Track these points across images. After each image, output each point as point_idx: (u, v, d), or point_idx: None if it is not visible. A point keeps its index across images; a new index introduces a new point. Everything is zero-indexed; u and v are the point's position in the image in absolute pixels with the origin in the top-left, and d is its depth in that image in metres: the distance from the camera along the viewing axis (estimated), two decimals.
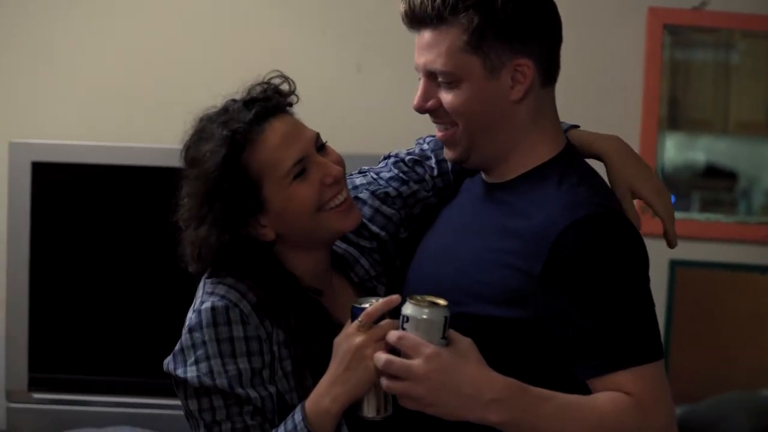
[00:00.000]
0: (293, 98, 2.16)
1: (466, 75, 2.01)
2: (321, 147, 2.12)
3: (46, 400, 3.59)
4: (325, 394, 1.95)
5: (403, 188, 2.26)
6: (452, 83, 2.02)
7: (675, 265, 3.76)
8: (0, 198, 3.63)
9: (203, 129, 2.12)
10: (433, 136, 2.27)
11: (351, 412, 1.98)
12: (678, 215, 3.75)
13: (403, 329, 1.90)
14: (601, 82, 3.65)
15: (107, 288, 3.62)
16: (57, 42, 3.80)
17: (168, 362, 2.05)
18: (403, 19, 2.06)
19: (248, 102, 2.12)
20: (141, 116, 3.77)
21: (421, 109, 2.07)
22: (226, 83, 3.85)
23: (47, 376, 3.59)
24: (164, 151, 3.56)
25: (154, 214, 3.60)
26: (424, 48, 2.03)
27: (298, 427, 1.95)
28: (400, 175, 2.28)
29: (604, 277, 1.93)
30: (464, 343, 1.91)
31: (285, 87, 2.16)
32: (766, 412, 3.75)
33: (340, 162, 2.13)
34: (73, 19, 3.79)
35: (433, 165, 2.28)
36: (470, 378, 1.88)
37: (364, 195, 2.25)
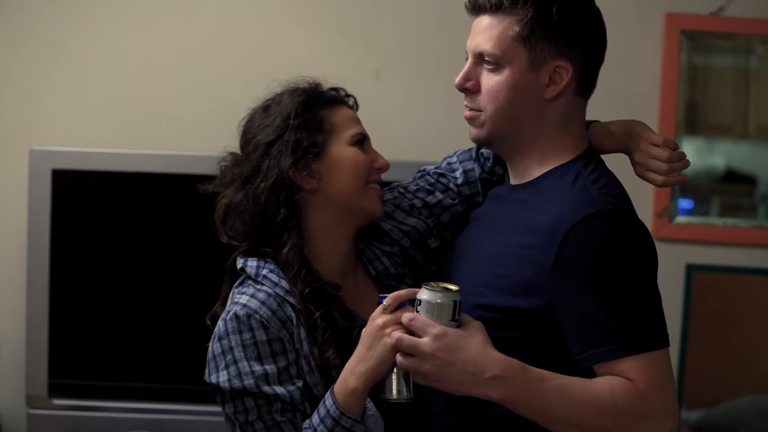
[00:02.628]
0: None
1: (510, 62, 2.15)
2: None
3: (65, 406, 3.61)
4: (350, 375, 2.08)
5: (429, 198, 2.37)
6: (496, 67, 2.16)
7: (691, 269, 3.77)
8: (20, 205, 3.64)
9: (271, 102, 2.32)
10: (461, 151, 2.43)
11: (375, 396, 2.10)
12: (697, 220, 3.80)
13: (417, 312, 2.04)
14: (619, 88, 3.65)
15: (127, 294, 3.64)
16: (77, 50, 3.81)
17: (205, 374, 2.18)
18: (466, 5, 2.22)
19: (332, 87, 2.34)
20: (160, 124, 3.78)
21: (460, 87, 2.21)
22: (246, 91, 3.86)
23: (67, 382, 3.61)
24: (184, 158, 3.58)
25: (173, 221, 3.64)
26: (479, 31, 2.18)
27: (331, 410, 2.08)
28: (426, 186, 2.39)
29: (611, 267, 2.04)
30: (472, 324, 2.05)
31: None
32: None
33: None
34: (93, 27, 3.81)
35: (458, 175, 2.39)
36: (473, 356, 2.01)
37: (388, 208, 2.36)
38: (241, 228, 2.25)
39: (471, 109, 2.21)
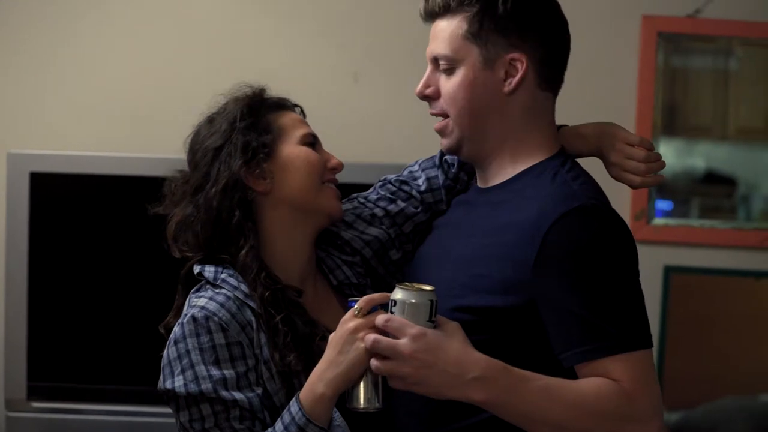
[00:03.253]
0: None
1: (462, 61, 2.15)
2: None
3: (44, 409, 3.60)
4: (318, 381, 2.00)
5: (391, 206, 2.33)
6: (450, 69, 2.16)
7: (669, 271, 3.78)
8: None
9: (215, 113, 2.31)
10: (422, 159, 2.41)
11: (341, 405, 2.02)
12: (675, 221, 3.81)
13: (392, 313, 1.97)
14: (595, 90, 3.66)
15: (105, 297, 3.63)
16: (56, 53, 3.81)
17: (159, 381, 2.12)
18: (420, 14, 2.23)
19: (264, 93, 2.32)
20: (139, 126, 3.78)
21: (421, 95, 2.22)
22: (224, 92, 3.87)
23: (46, 385, 3.60)
24: (163, 161, 3.56)
25: (152, 224, 3.63)
26: (433, 36, 2.20)
27: (296, 417, 1.99)
28: (388, 195, 2.35)
29: (594, 265, 2.00)
30: (450, 325, 1.99)
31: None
32: (763, 417, 3.76)
33: None
34: (72, 30, 3.81)
35: (421, 183, 2.35)
36: (454, 357, 1.94)
37: (348, 218, 2.32)
38: (194, 240, 2.20)
39: (437, 116, 2.21)
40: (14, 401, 3.59)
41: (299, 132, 2.24)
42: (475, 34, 2.13)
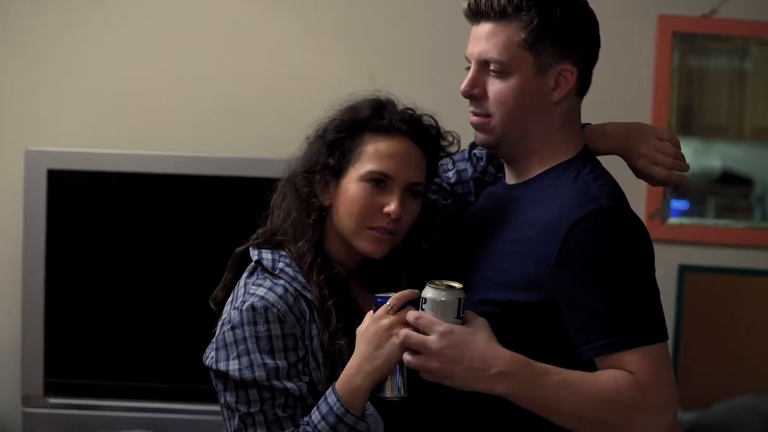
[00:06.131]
0: (441, 153, 2.29)
1: (517, 68, 2.16)
2: (414, 194, 2.23)
3: (61, 405, 3.63)
4: (356, 374, 2.09)
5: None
6: (503, 74, 2.17)
7: (684, 270, 3.78)
8: (16, 205, 3.65)
9: (349, 106, 2.27)
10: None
11: (370, 394, 2.13)
12: (689, 221, 3.81)
13: (422, 310, 2.07)
14: (611, 90, 3.66)
15: (122, 293, 3.65)
16: (73, 51, 3.83)
17: (209, 357, 2.17)
18: (465, 11, 2.21)
19: (410, 112, 2.25)
20: (156, 124, 3.80)
21: (467, 94, 2.21)
22: (240, 91, 3.90)
23: (63, 381, 3.63)
24: (180, 159, 3.59)
25: (168, 221, 3.65)
26: (482, 38, 2.18)
27: (334, 408, 2.09)
28: None
29: (612, 265, 2.06)
30: (477, 321, 2.07)
31: (446, 140, 2.29)
32: None
33: (411, 217, 2.23)
34: (88, 28, 3.83)
35: (451, 175, 2.39)
36: (479, 353, 2.04)
37: None
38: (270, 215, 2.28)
39: (478, 115, 2.21)
40: (31, 397, 3.61)
41: (369, 166, 2.18)
42: (532, 43, 2.14)
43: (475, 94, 2.19)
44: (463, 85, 2.20)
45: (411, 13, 3.81)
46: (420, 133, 2.23)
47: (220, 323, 2.19)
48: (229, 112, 3.76)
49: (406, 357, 2.06)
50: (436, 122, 2.27)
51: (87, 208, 3.65)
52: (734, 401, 3.78)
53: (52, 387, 3.62)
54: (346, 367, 2.11)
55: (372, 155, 2.18)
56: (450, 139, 2.29)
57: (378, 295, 2.12)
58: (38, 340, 3.59)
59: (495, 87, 2.17)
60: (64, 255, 3.62)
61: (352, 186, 2.19)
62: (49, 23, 3.82)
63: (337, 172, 2.21)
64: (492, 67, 2.17)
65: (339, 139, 2.21)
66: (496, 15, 2.16)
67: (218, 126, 3.77)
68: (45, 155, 3.60)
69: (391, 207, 2.18)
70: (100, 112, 3.81)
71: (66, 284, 3.62)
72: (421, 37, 3.81)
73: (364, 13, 3.84)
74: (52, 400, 3.62)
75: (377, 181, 2.18)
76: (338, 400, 2.09)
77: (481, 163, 2.40)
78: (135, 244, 3.65)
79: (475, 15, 2.19)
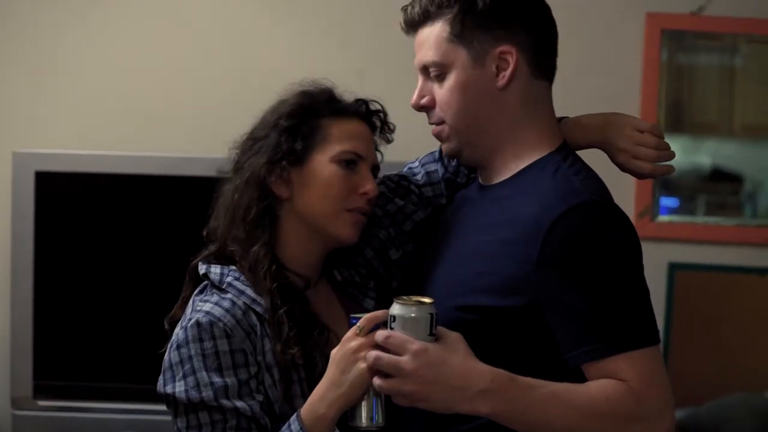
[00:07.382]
0: (388, 134, 2.27)
1: (452, 64, 2.10)
2: (374, 171, 2.20)
3: (51, 408, 3.61)
4: (320, 401, 1.96)
5: (389, 206, 2.28)
6: (441, 74, 2.12)
7: (674, 268, 3.78)
8: (4, 207, 3.64)
9: (282, 99, 2.22)
10: (423, 155, 2.37)
11: (343, 423, 1.98)
12: (679, 218, 3.81)
13: (391, 329, 1.92)
14: (599, 87, 3.66)
15: (111, 295, 3.64)
16: (61, 52, 3.82)
17: (159, 382, 2.07)
18: (401, 27, 2.18)
19: (361, 97, 2.24)
20: (144, 125, 3.79)
21: (416, 106, 2.17)
22: (228, 91, 3.89)
23: (52, 383, 3.61)
24: (168, 160, 3.58)
25: (157, 222, 3.64)
26: (418, 46, 2.15)
27: None
28: (387, 193, 2.29)
29: (597, 262, 1.95)
30: (451, 337, 1.93)
31: (389, 128, 2.27)
32: None
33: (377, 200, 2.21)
34: (77, 30, 3.82)
35: (420, 177, 2.32)
36: (458, 371, 1.90)
37: None
38: (215, 224, 2.19)
39: (434, 125, 2.16)
40: (20, 399, 3.60)
41: (339, 147, 2.14)
42: (459, 34, 2.09)
43: (424, 104, 2.15)
44: (413, 99, 2.16)
45: (400, 12, 3.80)
46: (373, 117, 2.23)
47: (168, 345, 2.09)
48: (217, 113, 3.75)
49: (377, 381, 1.91)
50: (383, 108, 2.26)
51: (75, 210, 3.64)
52: (726, 399, 3.77)
53: (42, 389, 3.60)
54: (312, 393, 1.98)
55: (339, 136, 2.14)
56: (392, 127, 2.26)
57: (353, 315, 1.99)
58: (27, 342, 3.58)
59: (439, 91, 2.12)
60: (52, 257, 3.60)
61: (324, 168, 2.12)
62: (36, 26, 3.81)
63: (300, 159, 2.13)
64: (432, 72, 2.13)
65: (296, 125, 2.14)
66: (423, 19, 2.13)
67: (207, 127, 3.76)
68: (33, 157, 3.58)
69: (368, 186, 2.14)
70: (87, 113, 3.80)
71: (55, 286, 3.61)
72: (411, 35, 3.81)
73: (353, 12, 3.83)
74: (42, 403, 3.60)
75: (348, 162, 2.13)
76: (302, 428, 1.95)
77: (453, 163, 2.31)
78: (124, 246, 3.64)
79: (409, 26, 2.16)
